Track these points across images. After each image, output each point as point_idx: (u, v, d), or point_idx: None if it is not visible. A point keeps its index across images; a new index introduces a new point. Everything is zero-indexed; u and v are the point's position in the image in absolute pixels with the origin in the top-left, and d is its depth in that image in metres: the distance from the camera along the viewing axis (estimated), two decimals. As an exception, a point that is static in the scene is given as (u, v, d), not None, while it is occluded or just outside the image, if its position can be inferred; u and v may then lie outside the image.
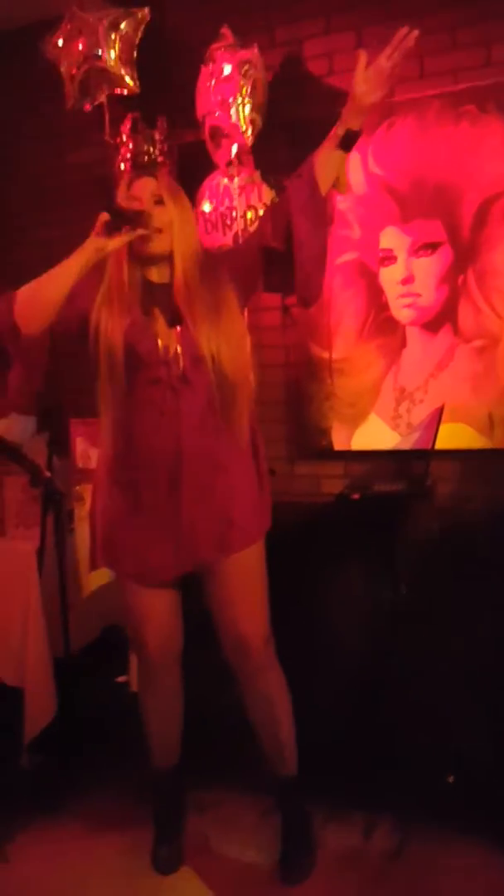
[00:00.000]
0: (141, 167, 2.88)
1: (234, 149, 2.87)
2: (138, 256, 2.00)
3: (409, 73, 2.81)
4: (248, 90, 2.82)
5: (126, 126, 3.02)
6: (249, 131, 2.84)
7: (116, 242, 1.91)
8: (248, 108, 2.83)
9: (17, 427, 2.86)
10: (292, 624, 2.21)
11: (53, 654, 2.51)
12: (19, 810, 2.43)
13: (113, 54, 2.97)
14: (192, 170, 2.96)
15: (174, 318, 1.99)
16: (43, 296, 1.91)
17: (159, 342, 1.97)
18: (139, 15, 2.98)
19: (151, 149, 3.00)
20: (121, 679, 2.92)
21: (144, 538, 2.02)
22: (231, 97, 2.81)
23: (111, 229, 1.89)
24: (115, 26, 2.96)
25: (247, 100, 2.83)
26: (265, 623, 2.09)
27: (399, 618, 2.38)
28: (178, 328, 1.99)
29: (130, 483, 2.03)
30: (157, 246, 1.98)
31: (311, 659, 2.39)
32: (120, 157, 3.03)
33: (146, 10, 2.99)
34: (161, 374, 1.98)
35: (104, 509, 2.09)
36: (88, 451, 2.88)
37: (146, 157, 2.99)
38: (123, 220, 1.91)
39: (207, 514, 2.01)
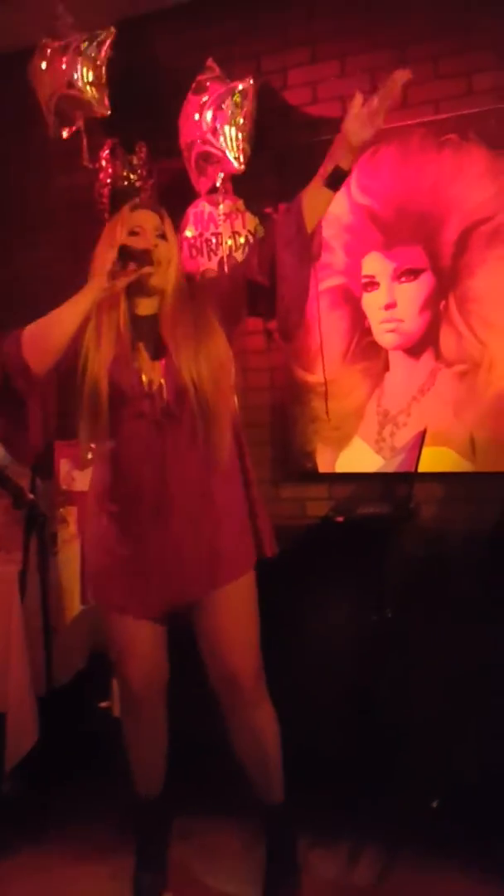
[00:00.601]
0: (124, 193, 2.90)
1: (220, 176, 2.90)
2: (135, 291, 2.00)
3: (392, 102, 2.86)
4: (241, 120, 2.86)
5: (105, 151, 3.05)
6: (241, 159, 2.88)
7: (123, 282, 1.94)
8: (240, 137, 2.87)
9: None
10: (276, 649, 2.19)
11: (37, 680, 2.48)
12: (1, 838, 2.39)
13: (82, 79, 3.00)
14: (171, 195, 2.99)
15: (158, 351, 1.99)
16: (51, 335, 1.92)
17: (143, 377, 1.98)
18: (102, 35, 3.01)
19: (130, 174, 3.03)
20: (103, 704, 2.90)
21: (131, 572, 2.00)
22: (224, 125, 2.85)
23: (116, 268, 1.92)
24: (80, 50, 2.99)
25: (239, 129, 2.87)
26: (256, 657, 2.05)
27: (384, 641, 2.38)
28: (163, 361, 1.99)
29: (117, 515, 2.01)
30: (157, 280, 2.00)
31: (296, 684, 2.38)
32: (99, 183, 3.06)
33: (111, 28, 3.01)
34: (145, 408, 1.98)
35: (92, 540, 2.08)
36: (72, 473, 2.88)
37: (125, 182, 3.03)
38: (130, 258, 1.94)
39: (195, 547, 1.99)
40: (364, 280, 2.92)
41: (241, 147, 2.88)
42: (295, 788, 2.13)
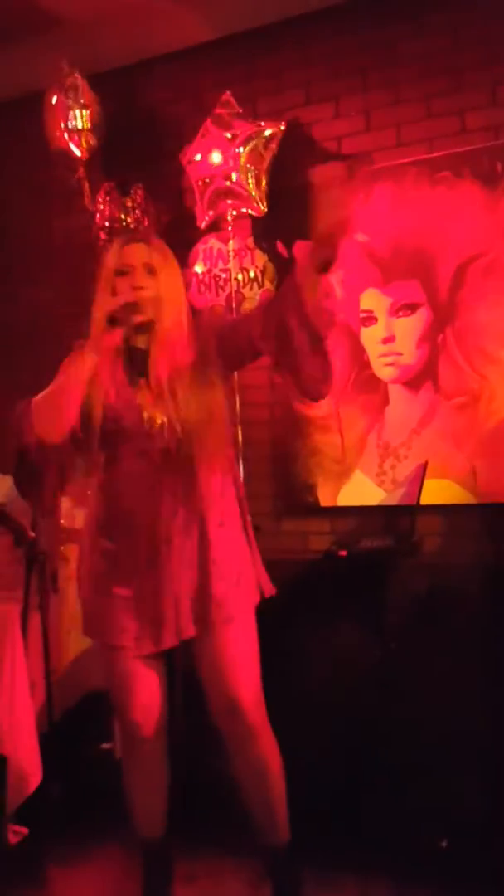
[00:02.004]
0: (118, 233, 2.94)
1: (233, 213, 2.95)
2: (126, 326, 1.99)
3: (386, 141, 2.92)
4: (266, 163, 2.92)
5: (102, 194, 3.10)
6: (265, 203, 2.94)
7: (113, 340, 1.94)
8: (264, 182, 2.93)
9: (1, 487, 2.85)
10: (280, 683, 2.17)
11: (38, 720, 2.45)
12: (3, 884, 2.34)
13: (71, 125, 3.08)
14: (167, 234, 3.03)
15: (142, 386, 1.99)
16: (59, 406, 1.92)
17: (144, 414, 1.97)
18: (76, 83, 3.07)
19: (126, 216, 3.07)
20: (105, 746, 2.86)
21: (125, 610, 1.98)
22: (252, 165, 2.90)
23: (105, 330, 1.93)
24: (62, 104, 3.06)
25: (263, 173, 2.93)
26: (256, 687, 2.02)
27: (389, 675, 2.36)
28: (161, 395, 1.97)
29: (111, 553, 2.00)
30: (145, 316, 1.98)
31: (300, 719, 2.35)
32: (96, 225, 3.11)
33: (76, 77, 3.07)
34: (146, 446, 1.97)
35: (87, 577, 2.06)
36: (73, 511, 2.87)
37: (121, 224, 3.06)
38: (118, 322, 1.93)
39: (188, 589, 1.97)
40: (362, 315, 2.95)
41: (264, 190, 2.94)
42: (301, 826, 2.09)
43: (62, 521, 2.89)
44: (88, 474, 2.04)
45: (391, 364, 2.91)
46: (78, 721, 2.76)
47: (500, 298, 2.74)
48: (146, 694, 2.04)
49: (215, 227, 3.04)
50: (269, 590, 2.09)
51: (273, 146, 2.93)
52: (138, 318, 1.97)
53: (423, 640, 2.38)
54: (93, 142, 3.10)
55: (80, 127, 3.07)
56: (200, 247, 3.07)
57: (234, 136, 2.91)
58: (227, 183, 2.92)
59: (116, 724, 2.84)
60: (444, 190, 2.81)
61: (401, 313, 2.89)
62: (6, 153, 3.64)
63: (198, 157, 2.98)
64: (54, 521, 2.88)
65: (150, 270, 2.01)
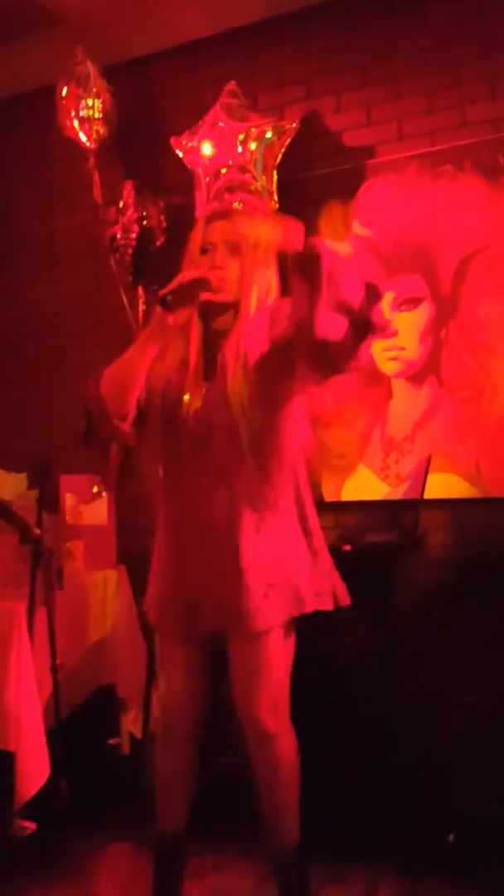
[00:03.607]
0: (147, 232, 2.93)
1: (237, 205, 2.94)
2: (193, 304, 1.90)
3: (388, 135, 2.92)
4: (279, 158, 2.92)
5: (129, 191, 3.08)
6: (276, 199, 2.93)
7: (176, 318, 1.87)
8: (275, 177, 2.92)
9: (6, 484, 2.86)
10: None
11: (45, 716, 2.46)
12: (11, 879, 2.35)
13: (82, 116, 3.06)
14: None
15: (211, 371, 1.90)
16: (121, 379, 1.90)
17: (185, 397, 1.90)
18: (81, 70, 3.05)
19: (152, 213, 3.06)
20: (112, 741, 2.87)
21: (173, 594, 1.99)
22: (268, 160, 2.90)
23: (172, 305, 1.84)
24: (72, 94, 3.05)
25: (277, 168, 2.92)
26: (276, 694, 1.96)
27: (394, 670, 2.36)
28: (207, 384, 1.90)
29: (166, 539, 2.00)
30: (219, 297, 1.87)
31: (307, 715, 2.36)
32: (122, 224, 3.07)
33: (88, 64, 3.06)
34: (183, 432, 1.90)
35: (157, 562, 2.06)
36: (78, 508, 2.88)
37: (149, 221, 3.05)
38: (185, 296, 1.84)
39: (217, 591, 1.91)
40: (365, 309, 2.94)
41: (275, 185, 2.94)
42: (307, 821, 2.10)
43: (67, 518, 2.90)
44: (150, 461, 2.00)
45: (394, 359, 2.90)
46: (85, 717, 2.76)
47: (502, 292, 2.73)
48: (181, 682, 2.03)
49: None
50: (344, 599, 2.02)
51: (285, 141, 2.92)
52: (206, 296, 1.86)
53: (429, 634, 2.39)
54: (104, 132, 3.09)
55: (91, 116, 3.05)
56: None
57: (250, 130, 2.89)
58: (238, 177, 2.91)
59: (122, 720, 2.87)
60: (446, 183, 2.81)
61: (404, 307, 2.88)
62: (7, 150, 3.64)
63: (206, 150, 2.96)
64: (60, 518, 2.88)
65: (233, 249, 1.90)
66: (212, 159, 2.96)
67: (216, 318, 1.93)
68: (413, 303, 2.87)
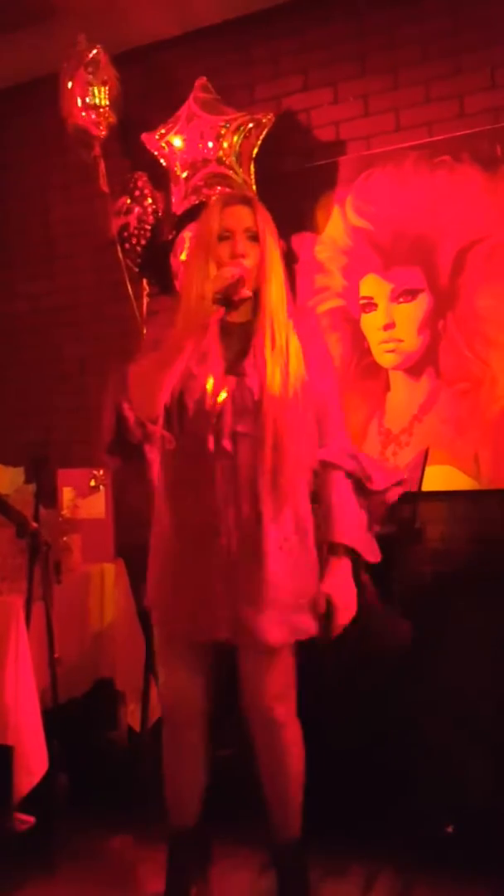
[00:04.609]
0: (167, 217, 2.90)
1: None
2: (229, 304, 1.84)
3: (385, 126, 2.90)
4: (256, 151, 2.90)
5: (144, 181, 3.06)
6: (254, 189, 2.91)
7: (216, 318, 1.80)
8: (252, 169, 2.91)
9: (4, 478, 2.85)
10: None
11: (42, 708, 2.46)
12: (10, 872, 2.36)
13: (90, 102, 3.02)
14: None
15: (236, 364, 1.84)
16: (155, 377, 1.80)
17: (209, 389, 1.82)
18: (97, 57, 3.02)
19: (161, 205, 3.05)
20: (111, 734, 2.87)
21: (183, 595, 1.93)
22: (246, 153, 2.88)
23: (207, 308, 1.78)
24: (81, 78, 3.02)
25: (253, 160, 2.91)
26: (285, 678, 1.97)
27: (392, 663, 2.36)
28: (235, 378, 1.83)
29: (170, 536, 1.94)
30: (248, 291, 1.83)
31: (306, 708, 2.36)
32: (136, 214, 3.05)
33: (100, 51, 3.02)
34: (201, 426, 1.83)
35: (154, 554, 2.01)
36: (76, 501, 2.87)
37: (162, 213, 3.04)
38: (221, 301, 1.77)
39: (239, 597, 1.87)
40: (362, 301, 2.94)
41: (253, 177, 2.92)
42: (307, 816, 2.10)
43: (65, 512, 2.89)
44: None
45: (392, 351, 2.90)
46: (84, 710, 2.76)
47: (501, 283, 2.72)
48: (197, 676, 2.01)
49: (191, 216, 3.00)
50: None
51: (264, 133, 2.90)
52: (244, 293, 1.80)
53: (427, 626, 2.38)
54: (112, 119, 3.06)
55: (100, 104, 3.01)
56: (186, 234, 3.03)
57: (227, 123, 2.88)
58: (219, 170, 2.89)
59: (121, 713, 2.87)
60: (444, 174, 2.79)
61: (401, 299, 2.87)
62: (5, 144, 3.62)
63: (177, 143, 2.94)
64: (57, 512, 2.88)
65: (253, 236, 1.86)
66: (188, 153, 2.94)
67: (233, 310, 1.86)
68: (411, 294, 2.86)
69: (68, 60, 3.01)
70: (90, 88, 3.00)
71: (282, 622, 1.89)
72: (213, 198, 1.96)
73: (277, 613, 1.87)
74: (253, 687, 1.97)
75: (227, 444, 1.82)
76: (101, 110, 3.02)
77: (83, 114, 3.01)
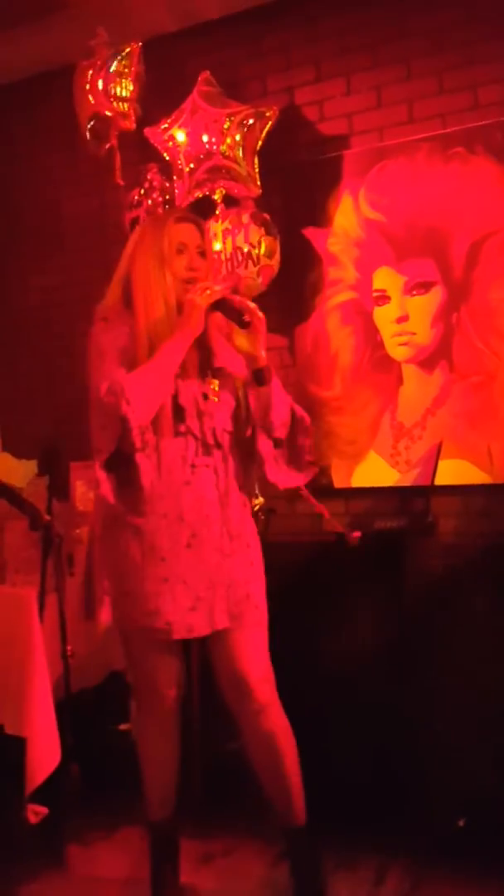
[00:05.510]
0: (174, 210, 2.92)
1: (221, 192, 2.92)
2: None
3: (398, 117, 2.89)
4: (260, 144, 2.89)
5: (154, 173, 3.06)
6: (258, 183, 2.91)
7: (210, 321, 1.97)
8: (256, 161, 2.89)
9: (17, 471, 2.86)
10: (296, 666, 2.18)
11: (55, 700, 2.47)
12: (22, 864, 2.37)
13: (114, 94, 3.01)
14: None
15: (205, 367, 2.01)
16: (157, 384, 1.90)
17: (202, 392, 1.99)
18: (128, 50, 3.03)
19: (174, 197, 3.04)
20: (123, 727, 2.88)
21: (160, 592, 1.95)
22: (250, 146, 2.87)
23: (200, 308, 1.93)
24: (107, 67, 3.01)
25: (256, 153, 2.89)
26: (266, 659, 2.05)
27: (404, 656, 2.36)
28: (217, 380, 2.01)
29: (148, 534, 1.96)
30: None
31: (317, 702, 2.36)
32: (146, 207, 3.04)
33: (136, 44, 3.02)
34: (193, 426, 1.97)
35: (116, 559, 2.02)
36: (89, 494, 2.88)
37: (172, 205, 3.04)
38: (225, 312, 1.96)
39: (225, 583, 1.98)
40: (375, 294, 2.92)
41: (257, 170, 2.91)
42: (319, 809, 2.10)
43: (77, 504, 2.90)
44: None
45: (405, 344, 2.88)
46: (96, 702, 2.77)
47: (515, 276, 2.71)
48: (173, 668, 2.07)
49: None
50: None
51: (268, 126, 2.89)
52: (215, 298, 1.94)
53: (439, 620, 2.38)
54: (139, 112, 3.05)
55: (128, 96, 3.01)
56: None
57: (231, 116, 2.86)
58: (223, 163, 2.88)
59: (133, 705, 2.88)
60: (458, 166, 2.77)
61: (415, 292, 2.86)
62: (16, 137, 3.62)
63: (181, 136, 2.93)
64: (70, 504, 2.89)
65: (201, 252, 2.01)
66: (192, 147, 2.93)
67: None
68: (424, 287, 2.85)
69: (95, 52, 3.01)
70: (122, 80, 2.99)
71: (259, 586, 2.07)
72: (158, 212, 2.06)
73: (257, 580, 2.07)
74: (239, 670, 2.01)
75: (212, 440, 1.99)
76: (130, 103, 3.02)
77: (115, 104, 2.99)
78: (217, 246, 2.91)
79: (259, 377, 2.01)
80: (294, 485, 2.12)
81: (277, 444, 2.06)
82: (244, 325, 1.94)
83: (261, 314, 1.98)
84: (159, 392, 1.90)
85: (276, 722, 2.03)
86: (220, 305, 1.95)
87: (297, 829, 2.07)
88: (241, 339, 2.00)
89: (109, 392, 1.85)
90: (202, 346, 2.01)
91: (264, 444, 2.05)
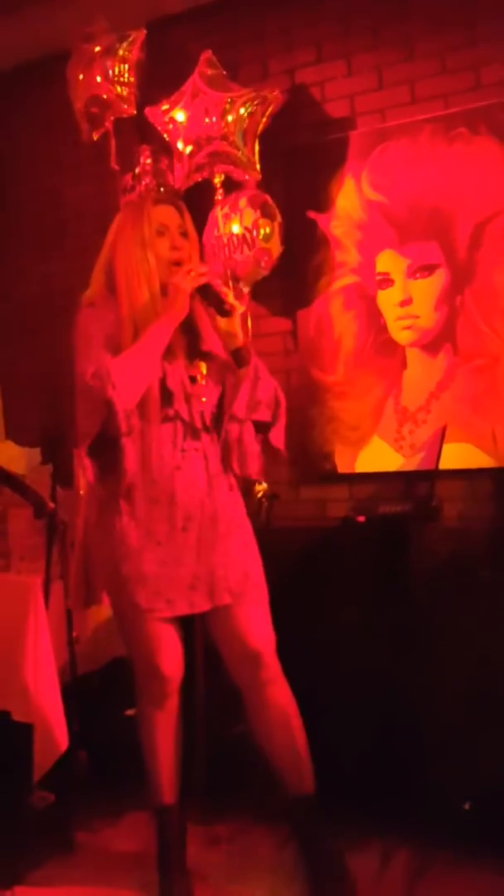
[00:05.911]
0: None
1: (219, 178, 2.90)
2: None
3: (400, 98, 2.86)
4: (261, 128, 2.87)
5: (146, 155, 3.04)
6: (258, 167, 2.89)
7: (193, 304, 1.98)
8: (256, 146, 2.87)
9: (21, 459, 2.86)
10: (302, 650, 2.18)
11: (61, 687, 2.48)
12: (29, 850, 2.38)
13: (112, 77, 3.01)
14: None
15: (195, 350, 2.03)
16: (143, 367, 1.92)
17: (190, 375, 2.00)
18: (132, 36, 3.03)
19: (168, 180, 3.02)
20: (129, 712, 2.88)
21: (159, 572, 1.99)
22: (251, 130, 2.86)
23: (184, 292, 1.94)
24: (110, 52, 3.01)
25: (258, 137, 2.87)
26: (271, 632, 2.07)
27: (410, 640, 2.36)
28: (205, 363, 2.02)
29: (136, 516, 1.99)
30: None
31: (324, 686, 2.36)
32: (138, 192, 3.02)
33: (141, 31, 3.03)
34: (182, 410, 1.99)
35: (112, 541, 2.04)
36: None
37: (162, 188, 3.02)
38: (206, 298, 1.97)
39: (223, 563, 2.01)
40: (378, 277, 2.91)
41: (257, 155, 2.89)
42: (324, 793, 2.11)
43: (81, 492, 2.90)
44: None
45: (409, 327, 2.87)
46: (102, 688, 2.78)
47: (519, 258, 2.69)
48: (174, 650, 2.07)
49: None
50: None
51: (270, 110, 2.87)
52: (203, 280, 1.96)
53: (444, 604, 2.38)
54: (139, 97, 3.04)
55: (128, 80, 3.02)
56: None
57: (232, 99, 2.84)
58: (223, 147, 2.86)
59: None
60: (461, 147, 2.75)
61: (418, 275, 2.84)
62: (15, 123, 3.60)
63: (180, 118, 2.91)
64: (74, 492, 2.89)
65: (184, 233, 2.03)
66: (192, 129, 2.90)
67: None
68: (428, 270, 2.82)
69: (94, 37, 2.99)
70: (123, 66, 2.98)
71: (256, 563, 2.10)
72: (138, 195, 2.12)
73: (253, 554, 2.10)
74: (244, 645, 2.03)
75: (201, 423, 2.01)
76: (129, 87, 3.00)
77: (115, 88, 2.98)
78: (217, 231, 2.89)
79: (238, 357, 2.00)
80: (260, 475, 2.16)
81: (260, 428, 2.08)
82: (224, 313, 1.96)
83: (242, 307, 2.02)
84: (145, 375, 1.91)
85: (286, 692, 2.06)
86: (202, 291, 1.95)
87: (307, 795, 2.08)
88: (221, 319, 2.00)
89: (95, 376, 1.87)
90: (189, 329, 2.01)
91: (247, 433, 2.08)
